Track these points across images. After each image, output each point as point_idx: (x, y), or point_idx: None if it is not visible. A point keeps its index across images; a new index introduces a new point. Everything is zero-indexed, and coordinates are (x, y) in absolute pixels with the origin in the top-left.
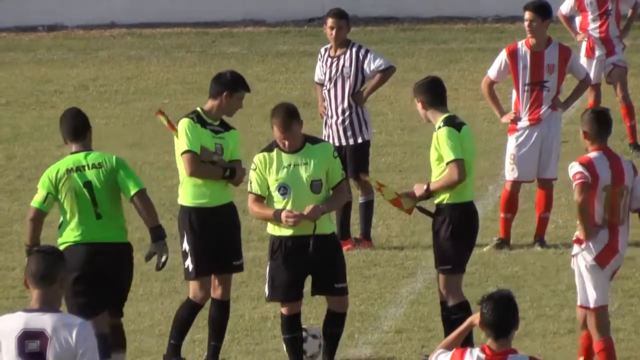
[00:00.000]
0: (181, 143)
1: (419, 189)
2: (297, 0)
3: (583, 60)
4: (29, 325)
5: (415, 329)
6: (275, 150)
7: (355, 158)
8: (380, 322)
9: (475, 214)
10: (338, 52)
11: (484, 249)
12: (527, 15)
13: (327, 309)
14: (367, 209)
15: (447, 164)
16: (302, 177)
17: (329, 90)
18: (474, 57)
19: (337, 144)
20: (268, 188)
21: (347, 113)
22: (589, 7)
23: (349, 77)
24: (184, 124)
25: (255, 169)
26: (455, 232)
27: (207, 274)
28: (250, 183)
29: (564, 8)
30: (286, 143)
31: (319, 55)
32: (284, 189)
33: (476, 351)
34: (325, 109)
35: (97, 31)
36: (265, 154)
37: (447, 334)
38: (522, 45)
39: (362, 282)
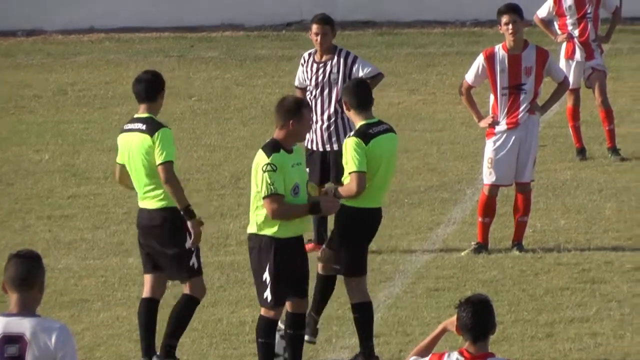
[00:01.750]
0: (165, 152)
1: (329, 194)
2: (275, 5)
3: (562, 61)
4: (8, 330)
5: (392, 333)
6: (280, 149)
7: (340, 163)
8: None
9: (372, 220)
10: (324, 58)
11: (462, 254)
12: (508, 17)
13: (290, 312)
14: None
15: (349, 174)
16: (304, 176)
17: (315, 96)
18: (452, 61)
19: (321, 149)
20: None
21: (332, 119)
22: (567, 11)
23: (337, 83)
24: (168, 134)
25: (275, 170)
26: (344, 235)
27: None
28: (272, 185)
29: (542, 12)
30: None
31: (302, 60)
32: (297, 188)
33: (454, 355)
34: None
35: (75, 36)
36: (277, 154)
37: (358, 332)
38: (499, 49)
39: (339, 287)
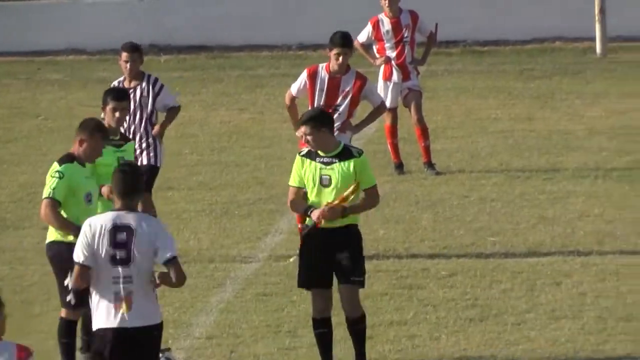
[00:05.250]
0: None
1: None
2: (115, 31)
3: (381, 83)
4: (118, 221)
5: (224, 335)
6: (74, 161)
7: (148, 178)
8: (192, 329)
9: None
10: (133, 84)
11: (290, 260)
12: (340, 49)
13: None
14: None
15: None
16: (95, 187)
17: (127, 120)
18: (279, 82)
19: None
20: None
21: (144, 138)
22: (385, 36)
23: (147, 106)
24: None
25: (62, 177)
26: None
27: None
28: (53, 190)
29: (362, 37)
30: None
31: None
32: (90, 196)
33: None
34: None
35: None
36: (70, 164)
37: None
38: (322, 69)
39: (175, 292)
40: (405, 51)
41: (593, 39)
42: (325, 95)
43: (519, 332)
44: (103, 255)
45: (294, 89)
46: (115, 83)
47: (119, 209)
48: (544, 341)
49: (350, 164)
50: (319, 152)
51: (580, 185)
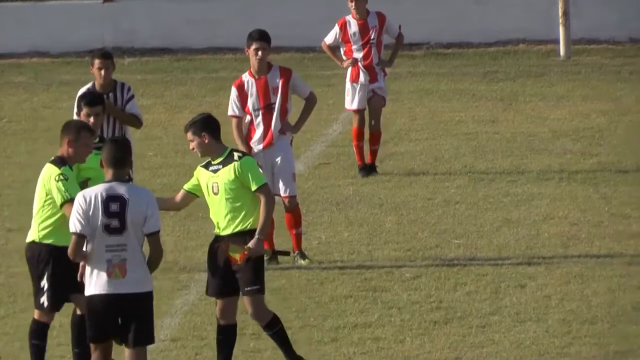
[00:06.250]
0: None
1: None
2: (78, 33)
3: (348, 85)
4: (110, 192)
5: (189, 337)
6: (67, 164)
7: None
8: (157, 332)
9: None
10: (104, 91)
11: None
12: (259, 44)
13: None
14: None
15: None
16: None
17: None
18: None
19: None
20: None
21: None
22: (352, 38)
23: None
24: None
25: (67, 179)
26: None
27: None
28: (66, 192)
29: (329, 39)
30: None
31: (81, 94)
32: None
33: None
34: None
35: None
36: (65, 167)
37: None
38: (246, 76)
39: None
40: (373, 53)
41: (556, 42)
42: (257, 97)
43: (483, 334)
44: (98, 224)
45: (231, 111)
46: (84, 89)
47: (110, 180)
48: (508, 344)
49: (230, 169)
50: (211, 160)
51: (545, 187)
